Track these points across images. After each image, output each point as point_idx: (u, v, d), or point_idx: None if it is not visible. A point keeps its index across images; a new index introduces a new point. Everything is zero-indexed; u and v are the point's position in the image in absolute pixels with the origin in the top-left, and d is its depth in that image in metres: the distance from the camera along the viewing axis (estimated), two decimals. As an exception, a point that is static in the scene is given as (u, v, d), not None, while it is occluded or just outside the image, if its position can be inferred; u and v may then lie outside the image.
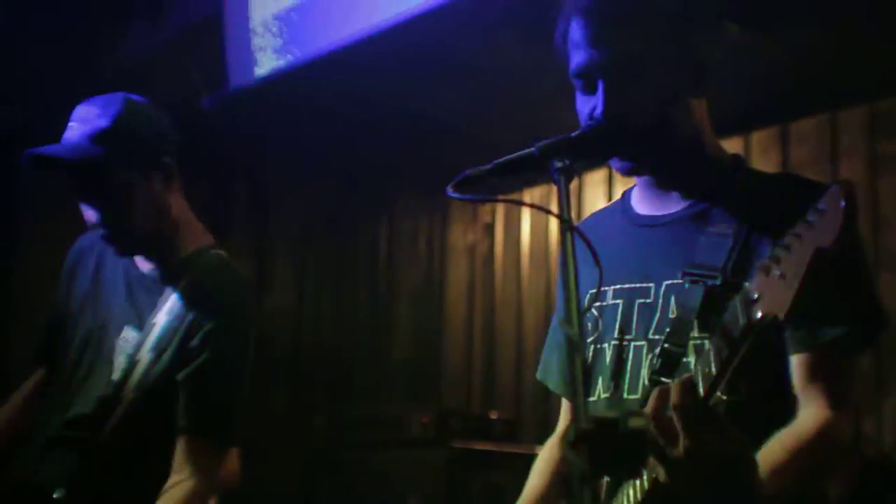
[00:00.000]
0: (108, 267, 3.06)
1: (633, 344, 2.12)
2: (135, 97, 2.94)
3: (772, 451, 1.88)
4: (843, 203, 1.47)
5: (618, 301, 2.17)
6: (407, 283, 7.02)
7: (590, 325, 2.20)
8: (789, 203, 2.01)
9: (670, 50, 2.08)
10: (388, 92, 5.26)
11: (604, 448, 1.62)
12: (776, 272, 1.54)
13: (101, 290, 3.04)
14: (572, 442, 1.59)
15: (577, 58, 2.10)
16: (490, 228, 6.68)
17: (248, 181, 6.93)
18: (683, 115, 2.12)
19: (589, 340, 2.19)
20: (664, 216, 2.18)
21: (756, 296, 1.56)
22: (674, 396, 1.69)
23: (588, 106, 2.10)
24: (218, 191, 6.83)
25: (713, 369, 1.67)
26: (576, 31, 2.10)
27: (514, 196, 5.91)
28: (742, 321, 1.59)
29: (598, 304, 2.19)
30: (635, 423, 1.67)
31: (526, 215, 6.43)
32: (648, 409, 1.72)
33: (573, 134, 1.98)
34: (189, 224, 3.00)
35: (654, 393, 1.73)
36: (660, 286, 2.11)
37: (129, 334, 2.92)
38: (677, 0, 2.10)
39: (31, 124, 5.69)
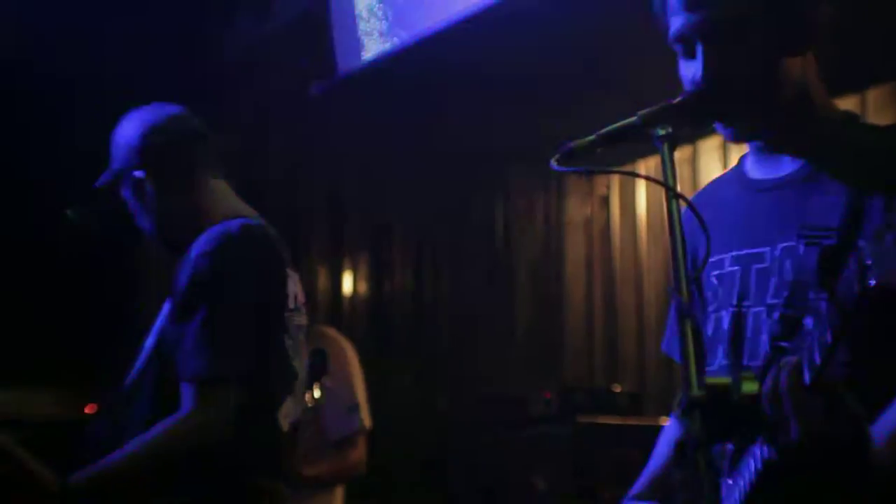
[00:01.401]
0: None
1: (752, 310, 2.09)
2: (154, 107, 3.16)
3: (892, 418, 1.84)
4: None
5: (736, 268, 2.14)
6: (525, 259, 7.01)
7: (710, 294, 2.18)
8: None
9: (769, 9, 2.04)
10: (499, 66, 5.25)
11: (717, 415, 1.61)
12: (890, 238, 1.50)
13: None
14: (685, 409, 1.58)
15: (675, 23, 2.08)
16: (606, 201, 6.64)
17: (360, 167, 6.98)
18: (787, 75, 2.08)
19: (710, 309, 2.17)
20: (776, 179, 2.15)
21: (870, 262, 1.53)
22: (782, 381, 1.67)
23: (690, 71, 2.08)
24: (332, 178, 6.90)
25: (827, 340, 1.65)
26: None
27: (628, 167, 5.88)
28: (857, 288, 1.56)
29: (717, 272, 2.17)
30: (748, 388, 1.66)
31: (641, 186, 6.39)
32: (768, 387, 1.70)
33: (674, 101, 1.97)
34: (219, 201, 3.10)
35: (775, 372, 1.71)
36: (775, 250, 2.08)
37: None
38: None
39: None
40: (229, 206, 3.08)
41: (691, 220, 2.24)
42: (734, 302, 2.12)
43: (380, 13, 5.31)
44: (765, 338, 2.04)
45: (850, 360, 1.86)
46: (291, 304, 3.00)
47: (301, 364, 3.05)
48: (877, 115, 5.25)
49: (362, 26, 5.38)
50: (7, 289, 5.99)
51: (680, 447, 1.67)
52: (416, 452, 6.26)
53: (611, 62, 5.15)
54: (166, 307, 2.98)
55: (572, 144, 1.94)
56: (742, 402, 1.66)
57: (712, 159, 5.92)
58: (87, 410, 5.82)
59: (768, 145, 2.17)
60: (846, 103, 5.17)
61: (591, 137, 1.96)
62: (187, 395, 2.76)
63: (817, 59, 2.14)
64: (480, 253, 7.21)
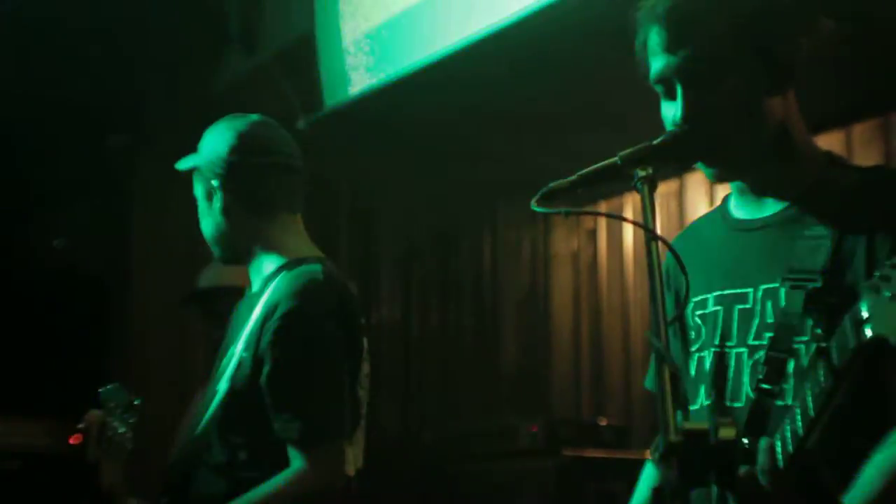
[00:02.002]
0: (238, 309, 3.22)
1: (734, 351, 2.10)
2: (261, 124, 3.16)
3: (869, 479, 1.84)
4: None
5: (718, 308, 2.15)
6: (512, 292, 7.00)
7: (693, 333, 2.19)
8: (883, 199, 1.98)
9: (747, 51, 2.06)
10: (487, 99, 5.27)
11: (694, 460, 1.61)
12: (886, 292, 1.50)
13: (229, 330, 3.17)
14: (662, 454, 1.58)
15: (656, 64, 2.10)
16: (593, 234, 6.63)
17: (349, 199, 6.99)
18: (767, 116, 2.10)
19: (693, 349, 2.17)
20: (759, 220, 2.16)
21: (866, 315, 1.53)
22: (760, 461, 1.67)
23: (670, 112, 2.10)
24: (320, 210, 6.90)
25: (810, 408, 1.65)
26: (653, 38, 2.10)
27: (615, 200, 5.90)
28: (852, 342, 1.56)
29: (700, 311, 2.18)
30: (725, 433, 1.66)
31: (628, 220, 6.38)
32: (762, 461, 1.70)
33: (654, 142, 1.98)
34: (285, 236, 3.09)
35: (740, 479, 1.71)
36: (757, 291, 2.09)
37: (231, 352, 3.01)
38: (756, 3, 2.08)
39: (137, 149, 5.83)
40: (298, 244, 3.08)
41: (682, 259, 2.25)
42: (716, 342, 2.13)
43: (366, 48, 5.33)
44: (746, 379, 2.05)
45: (834, 416, 1.86)
46: (363, 354, 3.04)
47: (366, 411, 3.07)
48: (862, 150, 5.26)
49: (349, 61, 5.40)
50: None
51: (657, 493, 1.67)
52: (401, 485, 6.24)
53: (602, 96, 5.17)
54: (239, 349, 2.95)
55: (552, 185, 1.95)
56: (719, 446, 1.66)
57: (699, 193, 5.93)
58: (72, 441, 5.80)
59: (752, 185, 2.17)
60: (832, 138, 5.19)
61: (572, 178, 1.97)
62: (296, 455, 2.80)
63: (797, 96, 2.15)
64: (467, 285, 7.21)
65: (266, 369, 2.85)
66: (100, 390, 3.03)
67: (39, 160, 6.01)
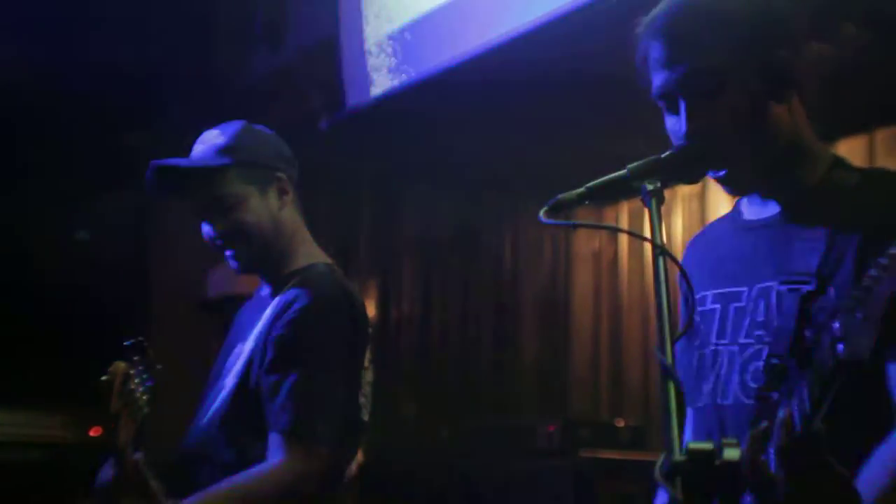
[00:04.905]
0: (243, 310, 3.23)
1: (727, 349, 2.12)
2: (253, 124, 3.13)
3: (874, 473, 1.86)
4: None
5: (717, 305, 2.17)
6: (532, 291, 7.02)
7: (695, 330, 2.20)
8: (877, 199, 1.99)
9: (748, 60, 2.06)
10: (509, 101, 5.28)
11: (699, 481, 1.61)
12: (859, 314, 1.52)
13: (232, 330, 3.20)
14: (666, 474, 1.59)
15: (657, 79, 2.11)
16: (614, 234, 6.64)
17: (371, 197, 7.02)
18: (772, 124, 2.10)
19: (695, 345, 2.19)
20: (762, 220, 2.18)
21: (841, 335, 1.55)
22: (777, 439, 1.67)
23: (675, 126, 2.11)
24: (342, 208, 6.94)
25: (807, 406, 1.66)
26: (653, 52, 2.11)
27: (636, 202, 5.89)
28: (830, 362, 1.58)
29: (701, 308, 2.19)
30: (730, 454, 1.66)
31: (649, 220, 6.37)
32: (744, 453, 1.70)
33: (662, 155, 2.00)
34: (304, 241, 3.11)
35: (751, 436, 1.72)
36: (751, 290, 2.11)
37: (238, 349, 3.04)
38: (753, 12, 2.08)
39: (158, 148, 5.85)
40: (311, 249, 3.10)
41: (691, 256, 2.28)
42: (713, 339, 2.15)
43: (389, 49, 5.34)
44: (735, 377, 2.07)
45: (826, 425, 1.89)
46: (366, 363, 3.03)
47: (367, 419, 3.07)
48: (885, 156, 5.25)
49: (371, 62, 5.42)
50: (14, 311, 6.04)
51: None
52: (417, 482, 6.26)
53: (625, 100, 5.17)
54: (249, 347, 2.97)
55: (561, 197, 1.96)
56: (723, 467, 1.66)
57: (721, 194, 5.87)
58: (92, 433, 5.86)
59: (760, 189, 2.19)
60: (854, 143, 5.18)
61: (580, 190, 1.97)
62: (278, 446, 2.79)
63: (804, 102, 2.15)
64: (488, 283, 7.22)
65: (268, 357, 2.86)
66: (125, 342, 3.03)
67: (61, 155, 6.06)
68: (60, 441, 6.05)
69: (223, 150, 3.00)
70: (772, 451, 1.70)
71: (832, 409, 1.67)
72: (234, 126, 3.07)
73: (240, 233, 3.00)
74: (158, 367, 3.00)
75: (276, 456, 2.78)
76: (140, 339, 3.03)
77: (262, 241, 3.01)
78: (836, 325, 1.55)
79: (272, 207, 3.02)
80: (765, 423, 1.75)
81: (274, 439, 2.80)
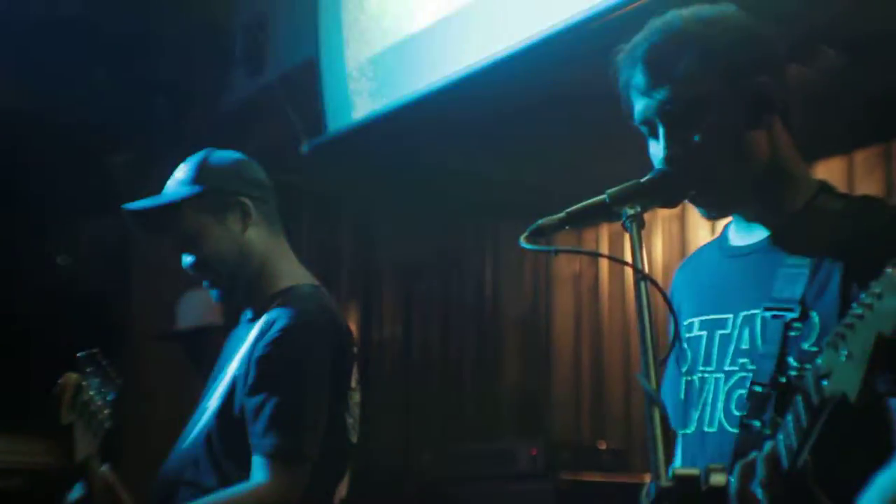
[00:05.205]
0: (231, 336, 3.23)
1: (712, 376, 2.13)
2: (221, 150, 3.16)
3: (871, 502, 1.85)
4: None
5: (702, 332, 2.19)
6: (513, 313, 7.01)
7: (681, 356, 2.21)
8: (861, 229, 2.00)
9: (726, 86, 2.08)
10: (490, 124, 5.29)
11: None
12: (843, 351, 1.52)
13: (221, 355, 3.19)
14: (654, 500, 1.59)
15: (638, 105, 2.13)
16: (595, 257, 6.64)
17: (352, 221, 7.02)
18: (752, 149, 2.11)
19: (683, 371, 2.20)
20: (747, 246, 2.19)
21: (825, 371, 1.55)
22: (761, 473, 1.68)
23: (657, 152, 2.12)
24: (323, 232, 6.93)
25: (794, 441, 1.66)
26: (634, 79, 2.12)
27: (617, 224, 5.89)
28: (815, 398, 1.59)
29: (688, 335, 2.21)
30: (716, 480, 1.66)
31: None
32: (734, 485, 1.71)
33: (642, 180, 2.00)
34: (284, 261, 3.12)
35: (739, 469, 1.72)
36: (736, 317, 2.12)
37: (224, 373, 3.03)
38: (733, 39, 2.10)
39: (142, 170, 5.86)
40: (294, 270, 3.12)
41: (679, 281, 2.29)
42: (699, 367, 2.16)
43: (370, 73, 5.35)
44: (721, 405, 2.08)
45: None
46: (353, 384, 3.04)
47: (356, 440, 3.08)
48: (864, 178, 5.26)
49: (352, 86, 5.42)
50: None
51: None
52: (399, 504, 6.25)
53: (605, 122, 5.18)
54: (233, 369, 2.98)
55: (541, 222, 1.97)
56: (710, 493, 1.66)
57: (700, 217, 5.92)
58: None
59: (744, 215, 2.20)
60: (833, 165, 5.19)
61: (560, 215, 1.99)
62: (260, 467, 2.79)
63: (788, 126, 2.16)
64: (469, 306, 7.22)
65: (251, 378, 2.87)
66: (78, 354, 3.00)
67: (45, 179, 6.04)
68: (43, 468, 6.02)
69: (184, 184, 3.05)
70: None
71: (820, 442, 1.68)
72: (196, 157, 3.11)
73: (203, 263, 3.05)
74: (118, 380, 2.95)
75: (258, 477, 2.79)
76: (94, 350, 3.00)
77: (228, 268, 3.03)
78: (820, 361, 1.56)
79: (234, 232, 3.04)
80: (754, 454, 1.75)
81: (257, 461, 2.80)
